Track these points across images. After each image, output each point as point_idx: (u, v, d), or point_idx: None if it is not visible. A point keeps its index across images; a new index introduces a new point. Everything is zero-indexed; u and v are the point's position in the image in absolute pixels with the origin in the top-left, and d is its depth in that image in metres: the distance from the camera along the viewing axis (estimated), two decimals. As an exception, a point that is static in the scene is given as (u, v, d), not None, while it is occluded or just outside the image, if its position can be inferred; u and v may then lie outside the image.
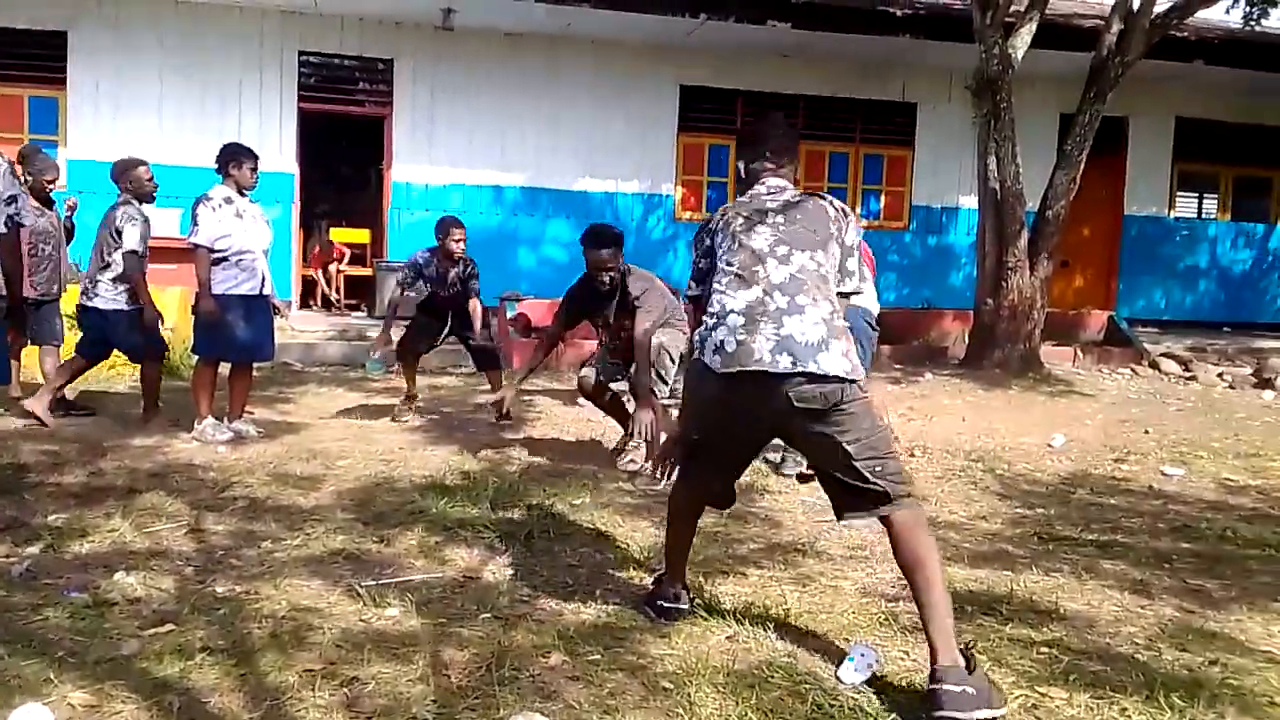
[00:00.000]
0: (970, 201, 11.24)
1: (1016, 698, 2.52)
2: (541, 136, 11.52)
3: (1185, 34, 10.78)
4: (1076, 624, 3.09)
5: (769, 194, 2.99)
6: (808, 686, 2.54)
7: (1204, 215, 13.87)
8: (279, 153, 10.78)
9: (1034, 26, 8.58)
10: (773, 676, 2.59)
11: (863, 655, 2.65)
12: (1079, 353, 9.96)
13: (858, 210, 12.69)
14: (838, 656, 2.72)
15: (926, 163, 12.65)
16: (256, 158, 5.75)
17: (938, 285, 12.71)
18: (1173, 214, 13.65)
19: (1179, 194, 13.71)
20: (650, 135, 11.89)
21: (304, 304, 11.99)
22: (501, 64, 11.29)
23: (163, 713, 2.35)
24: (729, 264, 2.83)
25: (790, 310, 2.65)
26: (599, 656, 2.72)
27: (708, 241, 2.97)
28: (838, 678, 2.60)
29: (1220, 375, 9.49)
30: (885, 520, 2.64)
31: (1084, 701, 2.50)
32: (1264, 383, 9.06)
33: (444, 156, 11.23)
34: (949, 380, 8.64)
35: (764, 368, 2.58)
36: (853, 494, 2.66)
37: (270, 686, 2.49)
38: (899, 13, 10.77)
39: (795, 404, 2.58)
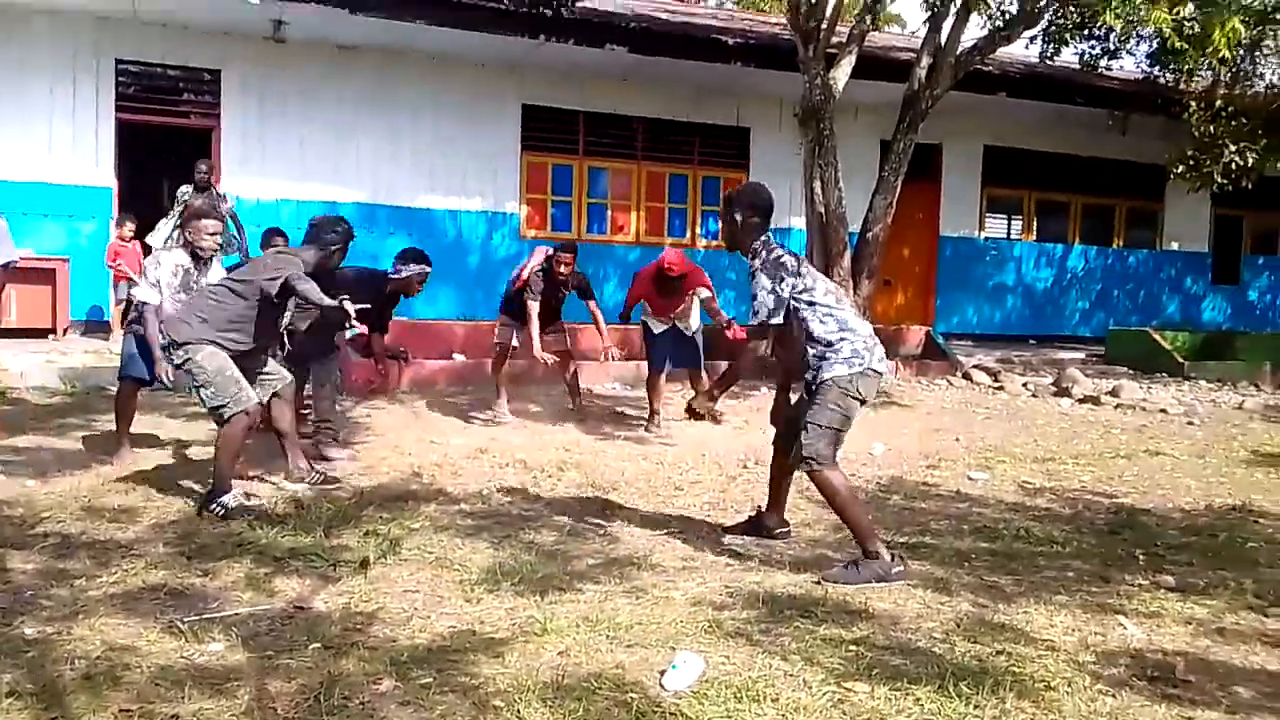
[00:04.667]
0: (802, 223, 11.80)
1: (824, 694, 2.71)
2: (380, 152, 11.34)
3: (990, 68, 11.69)
4: (882, 621, 3.34)
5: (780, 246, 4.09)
6: (633, 695, 2.66)
7: (1011, 236, 15.03)
8: (95, 165, 10.20)
9: (853, 59, 9.13)
10: (600, 688, 2.69)
11: (685, 662, 2.79)
12: (899, 366, 10.58)
13: (697, 230, 13.09)
14: (664, 665, 2.84)
15: (761, 184, 13.15)
16: None
17: (773, 302, 13.22)
18: (983, 235, 14.72)
19: (988, 216, 14.81)
20: (494, 153, 11.91)
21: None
22: (336, 78, 11.07)
23: (-40, 766, 2.24)
24: (841, 299, 4.07)
25: None
26: (431, 679, 2.75)
27: (797, 281, 3.96)
28: (661, 685, 2.73)
29: (1025, 385, 10.29)
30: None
31: (884, 694, 2.72)
32: (1062, 391, 9.89)
33: (275, 170, 10.89)
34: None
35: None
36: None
37: (82, 731, 2.40)
38: (731, 41, 11.22)
39: None
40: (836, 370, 3.90)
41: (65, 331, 9.47)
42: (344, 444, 5.96)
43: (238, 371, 4.54)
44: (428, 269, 6.17)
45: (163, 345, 4.73)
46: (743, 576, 3.82)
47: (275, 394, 4.94)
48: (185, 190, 9.14)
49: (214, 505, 4.41)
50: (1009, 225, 15.09)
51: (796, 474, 4.42)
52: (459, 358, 9.51)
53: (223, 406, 4.46)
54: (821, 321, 3.94)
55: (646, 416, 7.25)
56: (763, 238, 4.10)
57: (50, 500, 4.57)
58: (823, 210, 9.19)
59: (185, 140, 11.30)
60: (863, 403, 4.00)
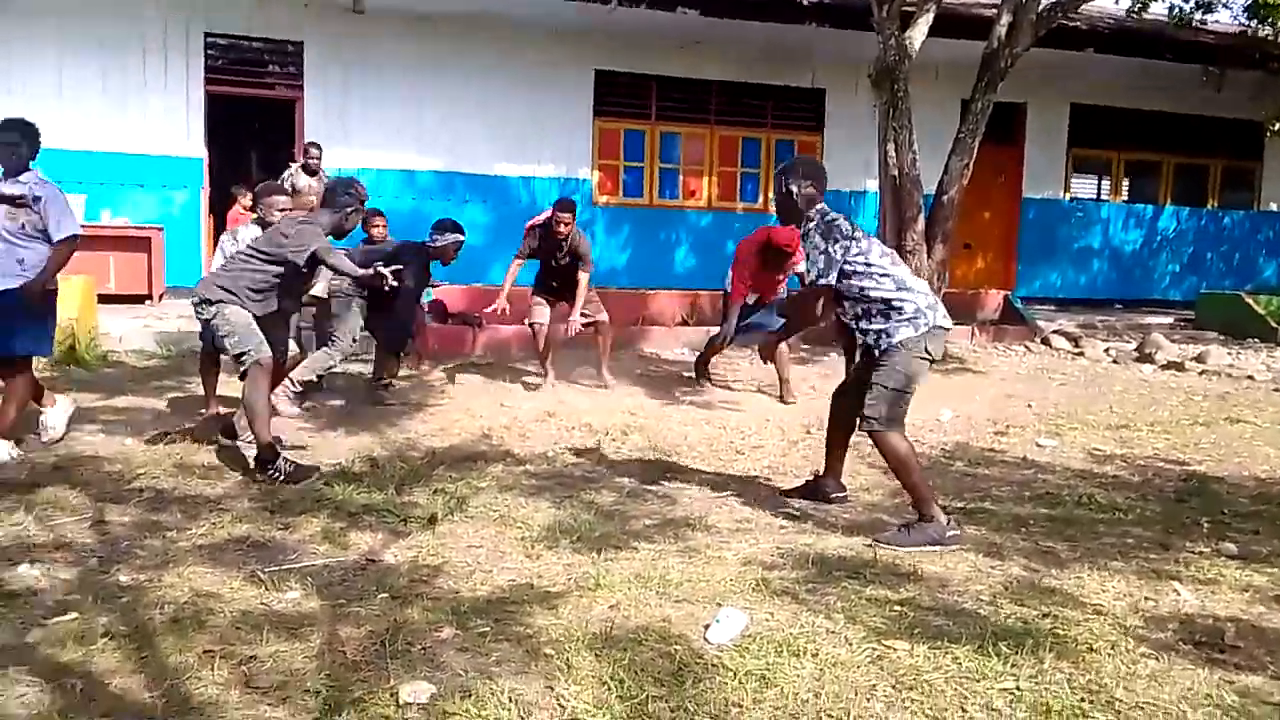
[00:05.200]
0: (875, 186, 11.64)
1: (864, 651, 2.79)
2: (456, 120, 11.55)
3: (1077, 24, 11.28)
4: (930, 584, 3.38)
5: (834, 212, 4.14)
6: (677, 647, 2.77)
7: (1100, 198, 14.55)
8: (186, 137, 10.64)
9: (930, 18, 8.91)
10: (646, 639, 2.82)
11: (729, 617, 2.89)
12: (975, 331, 10.43)
13: (769, 195, 13.01)
14: (709, 620, 2.95)
15: (836, 148, 13.01)
16: None
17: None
18: (1068, 197, 14.28)
19: (1074, 177, 14.36)
20: (566, 120, 12.01)
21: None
22: (414, 47, 11.28)
23: (64, 694, 2.47)
24: (896, 261, 4.10)
25: None
26: (488, 629, 2.91)
27: (851, 245, 4.01)
28: (705, 638, 2.84)
29: (1106, 350, 10.04)
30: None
31: (923, 652, 2.78)
32: (1145, 357, 9.62)
33: (356, 140, 11.19)
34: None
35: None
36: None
37: (170, 667, 2.63)
38: (806, 1, 11.06)
39: None
40: (904, 332, 3.96)
41: (161, 297, 9.95)
42: (300, 403, 6.06)
43: (257, 327, 4.75)
44: (462, 237, 6.53)
45: (194, 302, 4.91)
46: (795, 538, 3.90)
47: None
48: (292, 170, 9.40)
49: (271, 470, 4.53)
50: (1098, 186, 14.63)
51: (854, 439, 4.47)
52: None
53: (244, 354, 4.65)
54: (878, 282, 4.00)
55: (697, 380, 7.35)
56: (818, 206, 4.15)
57: (145, 457, 4.88)
58: (896, 173, 9.04)
59: (271, 111, 11.70)
60: (932, 362, 4.05)
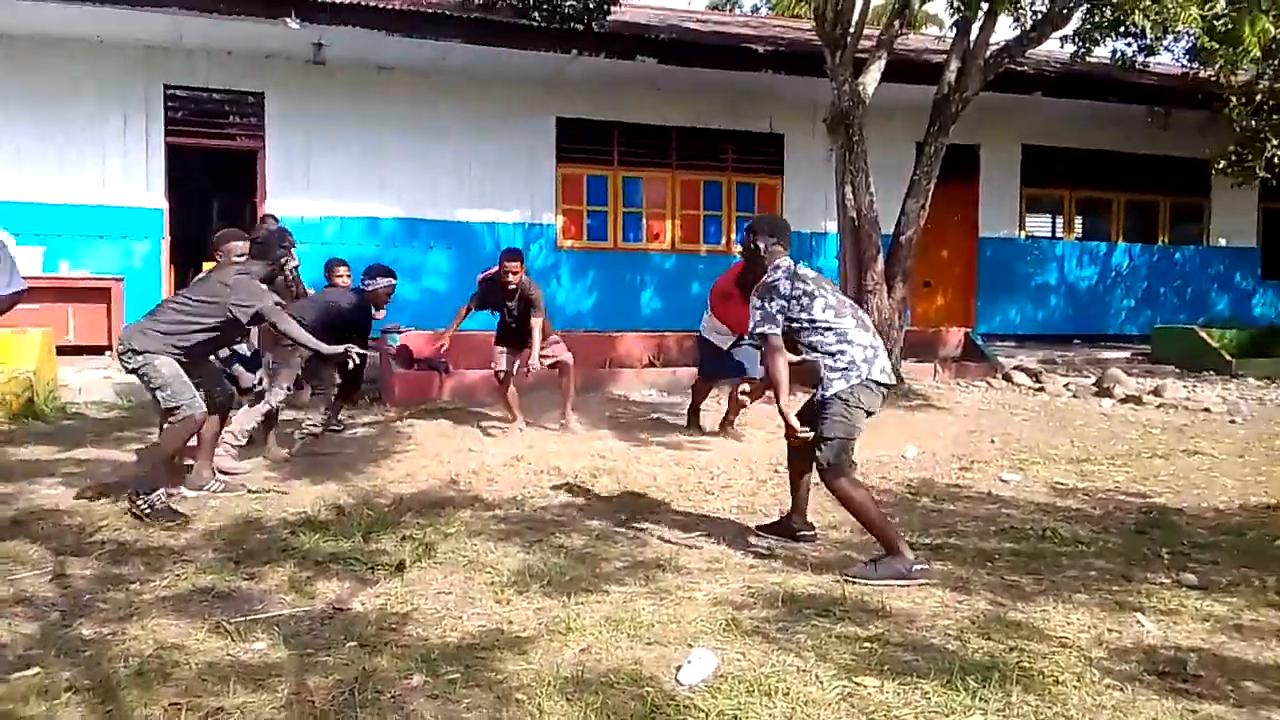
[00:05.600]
0: (835, 228, 11.84)
1: (834, 689, 2.80)
2: (419, 168, 11.61)
3: (1025, 68, 11.62)
4: (898, 619, 3.42)
5: (794, 266, 4.35)
6: (649, 689, 2.78)
7: (1054, 235, 14.90)
8: (146, 189, 10.58)
9: (882, 64, 9.15)
10: (618, 682, 2.82)
11: (701, 658, 2.90)
12: (938, 369, 10.57)
13: (732, 236, 13.19)
14: (680, 661, 2.96)
15: (796, 191, 13.23)
16: None
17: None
18: (1023, 234, 14.61)
19: (1028, 215, 14.70)
20: (529, 166, 12.11)
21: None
22: (375, 97, 11.35)
23: (24, 754, 2.42)
24: (841, 314, 4.22)
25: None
26: (458, 675, 2.89)
27: (791, 304, 4.18)
28: (677, 680, 2.85)
29: (1066, 385, 10.21)
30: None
31: (892, 688, 2.81)
32: (1104, 391, 9.80)
33: (319, 189, 11.19)
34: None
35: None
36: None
37: (134, 722, 2.58)
38: (762, 49, 11.31)
39: None
40: (837, 385, 4.14)
41: (121, 348, 9.80)
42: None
43: (189, 379, 4.72)
44: (394, 281, 6.69)
45: (120, 350, 4.81)
46: (765, 577, 3.92)
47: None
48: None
49: (141, 500, 4.50)
50: (1052, 224, 14.97)
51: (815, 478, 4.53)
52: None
53: (177, 408, 4.63)
54: (822, 336, 4.20)
55: (688, 428, 7.30)
56: (776, 261, 4.40)
57: (107, 509, 4.80)
58: (854, 215, 9.22)
59: (232, 162, 11.69)
60: (868, 413, 4.18)
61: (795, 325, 4.22)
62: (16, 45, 10.08)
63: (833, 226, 12.83)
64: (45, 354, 7.75)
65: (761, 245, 4.47)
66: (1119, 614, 3.51)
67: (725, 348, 7.01)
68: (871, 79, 9.06)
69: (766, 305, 4.26)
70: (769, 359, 4.31)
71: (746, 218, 13.23)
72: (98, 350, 9.59)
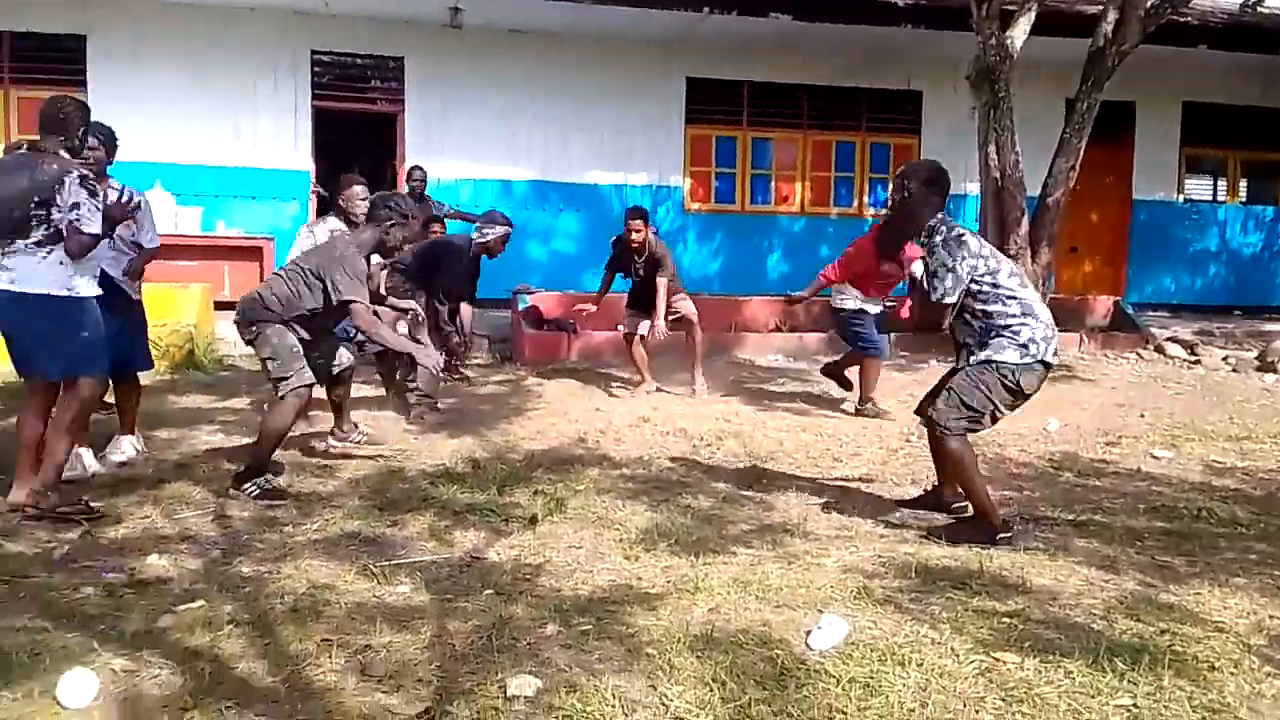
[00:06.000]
0: (976, 189, 11.38)
1: (971, 662, 2.73)
2: (550, 130, 11.73)
3: (1188, 19, 10.83)
4: (1040, 596, 3.29)
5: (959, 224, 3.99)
6: (779, 652, 2.77)
7: (1215, 199, 13.92)
8: (294, 151, 11.07)
9: (1032, 16, 8.70)
10: (747, 643, 2.82)
11: (831, 624, 2.87)
12: (1084, 339, 10.06)
13: (864, 199, 12.86)
14: (810, 626, 2.94)
15: (933, 151, 12.70)
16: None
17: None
18: (1181, 198, 13.71)
19: (1188, 178, 13.77)
20: (658, 128, 12.08)
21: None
22: (508, 60, 11.51)
23: (195, 677, 2.61)
24: (1025, 284, 3.93)
25: None
26: (590, 627, 2.95)
27: (979, 263, 3.86)
28: (807, 644, 2.83)
29: (1225, 359, 9.57)
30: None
31: (1034, 665, 2.71)
32: (1267, 366, 9.14)
33: (454, 151, 11.46)
34: (949, 367, 8.79)
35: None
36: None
37: (290, 654, 2.75)
38: (901, 3, 10.89)
39: None
40: (1006, 354, 3.86)
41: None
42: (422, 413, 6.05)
43: (302, 350, 4.54)
44: (509, 229, 6.53)
45: (235, 321, 4.69)
46: (896, 547, 3.85)
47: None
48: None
49: (247, 485, 4.35)
50: (1214, 187, 14.00)
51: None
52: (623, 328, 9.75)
53: (284, 379, 4.44)
54: (1004, 304, 3.86)
55: (863, 403, 6.74)
56: (940, 214, 4.01)
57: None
58: (998, 175, 8.85)
59: (373, 125, 12.09)
60: (1018, 396, 3.92)
61: (975, 289, 3.85)
62: (175, 13, 10.64)
63: (973, 188, 12.32)
64: (204, 308, 8.24)
65: (915, 192, 3.96)
66: (1282, 600, 3.30)
67: (853, 309, 6.61)
68: (1020, 32, 8.62)
69: (957, 264, 3.81)
70: (927, 328, 4.03)
71: (880, 179, 12.88)
72: (250, 306, 10.11)
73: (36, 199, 3.89)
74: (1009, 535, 3.87)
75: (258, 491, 4.34)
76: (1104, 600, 3.28)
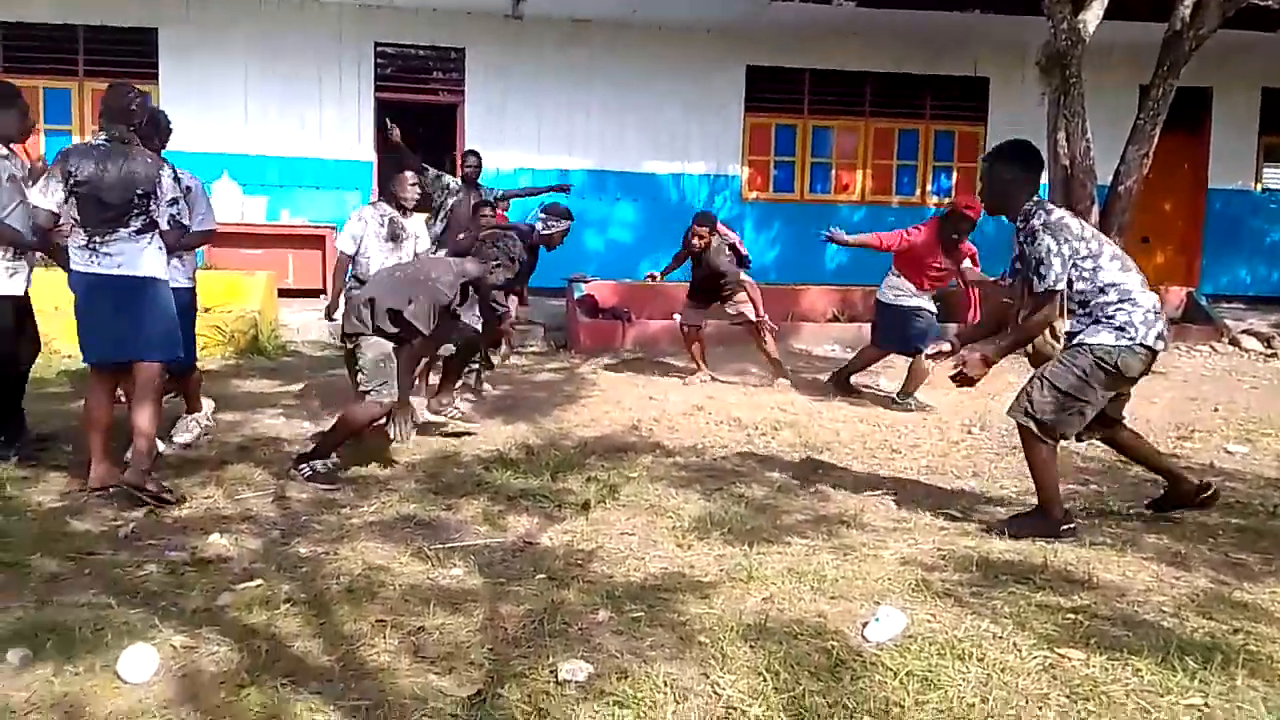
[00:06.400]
0: (1045, 177, 11.08)
1: (1034, 658, 2.65)
2: (608, 120, 11.72)
3: (1269, 2, 10.38)
4: (1107, 592, 3.19)
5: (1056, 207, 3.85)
6: (834, 643, 2.71)
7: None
8: (358, 141, 11.23)
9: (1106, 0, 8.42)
10: (801, 633, 2.78)
11: (889, 616, 2.81)
12: (1154, 330, 9.76)
13: (928, 188, 12.62)
14: (866, 617, 2.88)
15: (999, 139, 12.27)
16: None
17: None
18: (1260, 188, 13.20)
19: (1267, 166, 13.25)
20: (716, 116, 11.99)
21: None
22: (568, 50, 11.51)
23: (252, 654, 2.64)
24: (1127, 266, 3.74)
25: None
26: (642, 614, 2.93)
27: (1081, 246, 3.70)
28: (863, 636, 2.77)
29: (1303, 353, 9.23)
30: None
31: (1100, 662, 2.62)
32: (1348, 360, 8.79)
33: (513, 141, 11.51)
34: (1015, 359, 8.55)
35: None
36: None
37: (345, 634, 2.78)
38: (968, -13, 10.64)
39: None
40: (1100, 337, 3.72)
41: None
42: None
43: (394, 366, 4.55)
44: (570, 224, 6.53)
45: (342, 335, 4.82)
46: (956, 540, 3.76)
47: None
48: (454, 183, 9.12)
49: (303, 466, 4.41)
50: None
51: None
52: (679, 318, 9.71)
53: (368, 392, 4.50)
54: (1102, 291, 3.72)
55: (904, 396, 6.51)
56: (1036, 198, 3.85)
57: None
58: (1068, 163, 8.59)
59: (434, 116, 12.19)
60: (1120, 379, 3.74)
61: (1077, 274, 3.70)
62: (243, 7, 10.85)
63: (1042, 176, 12.02)
64: (268, 295, 8.39)
65: (1008, 176, 3.81)
66: (1366, 603, 3.14)
67: (905, 306, 6.47)
68: (1093, 15, 8.35)
69: (1061, 248, 3.64)
70: (1039, 318, 3.76)
71: (944, 168, 12.63)
72: (314, 294, 10.29)
73: (140, 191, 4.05)
74: (1072, 526, 3.78)
75: (310, 473, 4.39)
76: (1174, 597, 3.16)
